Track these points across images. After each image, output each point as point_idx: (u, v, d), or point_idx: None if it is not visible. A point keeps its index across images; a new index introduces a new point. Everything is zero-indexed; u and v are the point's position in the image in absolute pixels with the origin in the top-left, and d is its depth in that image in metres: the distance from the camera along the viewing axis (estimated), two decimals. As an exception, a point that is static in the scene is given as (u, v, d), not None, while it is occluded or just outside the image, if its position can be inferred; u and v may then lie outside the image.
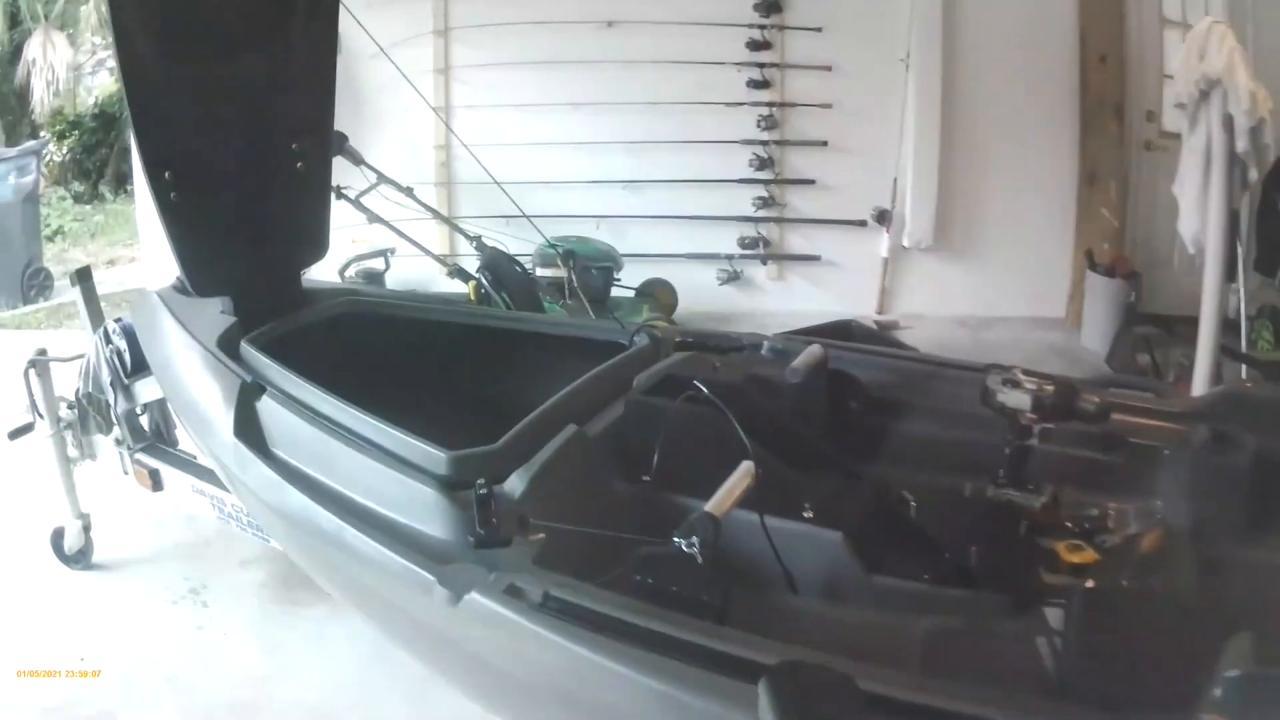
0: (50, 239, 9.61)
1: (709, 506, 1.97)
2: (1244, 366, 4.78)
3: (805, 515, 2.29)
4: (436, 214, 6.13)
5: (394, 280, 6.77)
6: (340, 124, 5.93)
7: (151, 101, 2.95)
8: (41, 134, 12.64)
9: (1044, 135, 6.68)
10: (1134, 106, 6.47)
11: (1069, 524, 2.45)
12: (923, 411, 2.90)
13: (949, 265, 6.94)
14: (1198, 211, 4.47)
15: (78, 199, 12.75)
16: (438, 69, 7.00)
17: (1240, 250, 4.59)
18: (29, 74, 12.64)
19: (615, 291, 6.45)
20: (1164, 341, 5.65)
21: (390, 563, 2.13)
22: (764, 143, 6.86)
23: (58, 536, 3.98)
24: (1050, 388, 2.45)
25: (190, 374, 3.03)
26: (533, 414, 2.49)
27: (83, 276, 3.92)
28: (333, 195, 5.59)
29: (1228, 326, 4.67)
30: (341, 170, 5.86)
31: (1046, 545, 2.37)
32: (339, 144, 5.82)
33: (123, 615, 3.71)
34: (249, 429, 2.68)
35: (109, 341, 3.72)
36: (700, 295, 6.92)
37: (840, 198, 6.96)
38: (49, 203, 10.39)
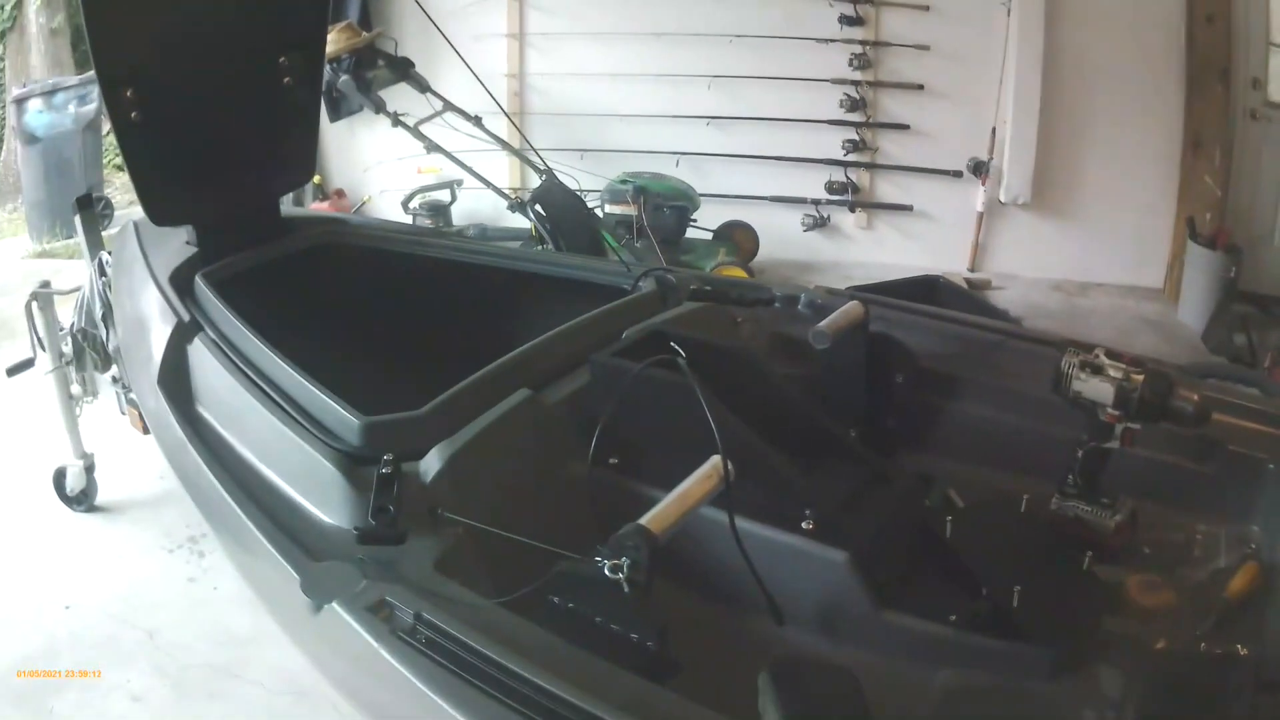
0: (120, 168, 9.28)
1: (645, 519, 1.43)
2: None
3: (804, 525, 1.73)
4: (504, 144, 5.59)
5: (460, 213, 6.38)
6: (407, 50, 5.57)
7: (110, 8, 2.38)
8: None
9: (1148, 94, 5.84)
10: (1239, 72, 5.61)
11: (1145, 549, 1.89)
12: (983, 390, 2.28)
13: (1046, 224, 6.17)
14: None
15: (151, 127, 12.40)
16: (512, -6, 6.44)
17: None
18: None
19: (692, 233, 5.87)
20: (1261, 323, 5.00)
21: (264, 552, 1.67)
22: (856, 83, 6.15)
23: (59, 477, 3.66)
24: (1140, 377, 1.85)
25: (135, 310, 2.60)
26: (477, 373, 1.99)
27: (82, 204, 3.46)
28: (392, 118, 5.24)
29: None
30: (406, 98, 5.44)
31: (1113, 578, 1.81)
32: (404, 69, 5.39)
33: (116, 561, 3.42)
34: (174, 377, 2.25)
35: (102, 273, 3.29)
36: (783, 241, 6.30)
37: (935, 146, 6.22)
38: (121, 131, 10.16)
